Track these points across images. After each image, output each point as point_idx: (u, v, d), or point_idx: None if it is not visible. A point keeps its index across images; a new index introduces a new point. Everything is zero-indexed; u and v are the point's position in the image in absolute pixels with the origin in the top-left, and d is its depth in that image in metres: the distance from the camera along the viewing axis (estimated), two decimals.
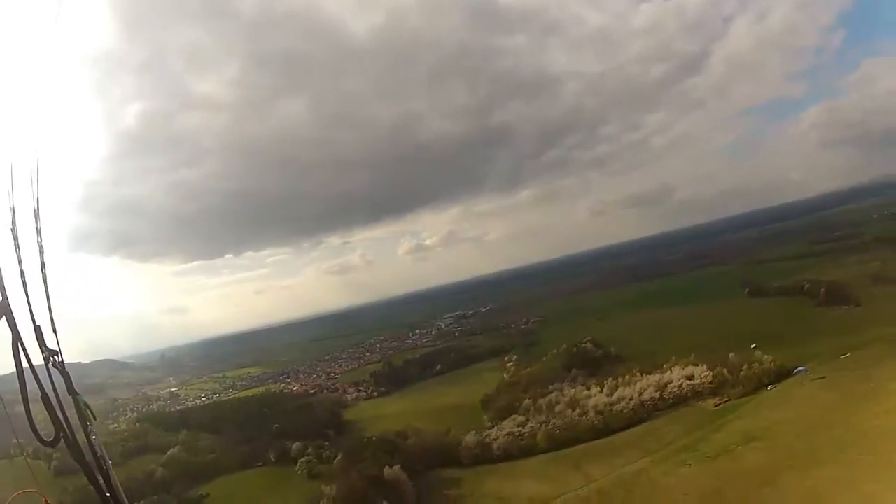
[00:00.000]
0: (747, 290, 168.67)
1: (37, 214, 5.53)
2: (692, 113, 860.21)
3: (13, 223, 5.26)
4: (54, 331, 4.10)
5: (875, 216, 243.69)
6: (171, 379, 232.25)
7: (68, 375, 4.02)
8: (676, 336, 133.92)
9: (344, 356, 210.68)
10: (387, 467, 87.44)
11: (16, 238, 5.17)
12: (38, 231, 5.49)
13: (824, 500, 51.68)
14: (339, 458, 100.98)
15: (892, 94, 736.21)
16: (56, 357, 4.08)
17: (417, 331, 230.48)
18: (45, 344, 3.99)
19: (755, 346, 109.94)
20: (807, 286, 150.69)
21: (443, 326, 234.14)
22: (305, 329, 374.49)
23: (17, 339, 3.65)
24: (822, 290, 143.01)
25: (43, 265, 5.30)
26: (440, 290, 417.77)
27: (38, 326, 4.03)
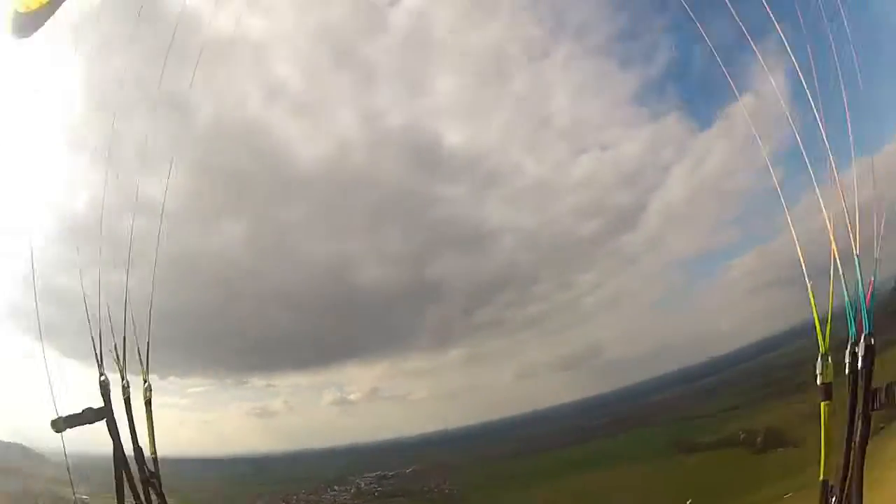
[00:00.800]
0: (677, 448, 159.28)
1: None
2: (625, 269, 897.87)
3: None
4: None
5: (809, 355, 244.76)
6: (81, 487, 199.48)
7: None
8: (604, 502, 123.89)
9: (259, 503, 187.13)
10: None
11: None
12: None
13: None
14: None
15: (820, 229, 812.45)
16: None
17: (336, 487, 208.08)
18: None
19: (690, 502, 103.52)
20: (742, 436, 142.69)
21: (363, 485, 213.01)
22: (224, 468, 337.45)
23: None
24: (759, 437, 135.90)
25: None
26: (361, 447, 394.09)
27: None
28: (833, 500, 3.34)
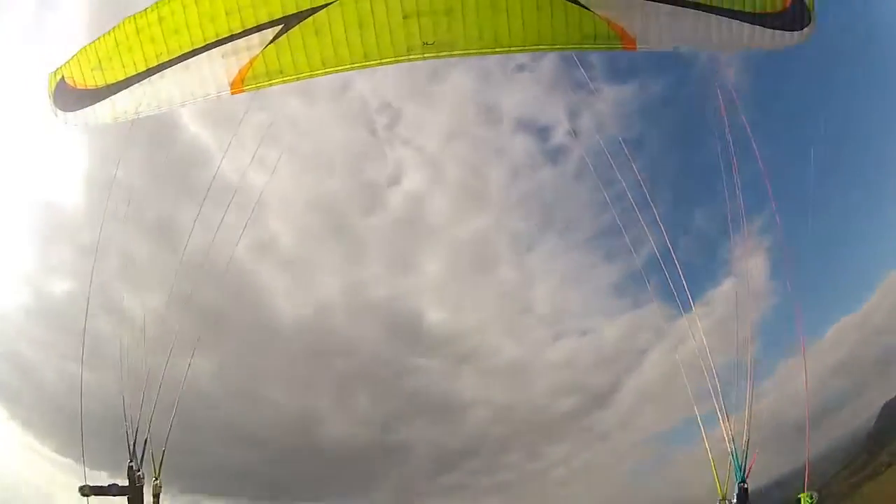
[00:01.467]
0: None
1: None
2: (596, 444, 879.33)
3: None
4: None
5: None
6: None
7: None
8: None
9: None
10: None
11: None
12: None
13: None
14: None
15: (799, 390, 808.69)
16: None
17: None
18: None
19: None
20: None
21: None
22: None
23: None
24: None
25: None
26: None
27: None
28: None
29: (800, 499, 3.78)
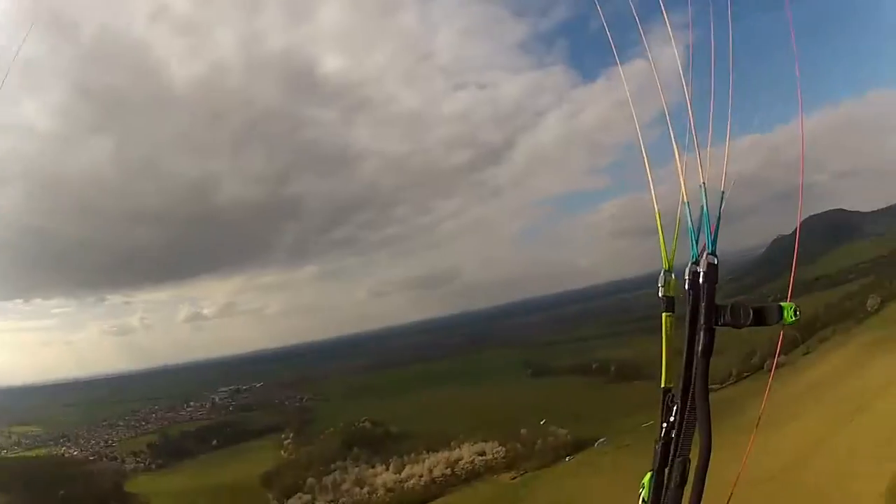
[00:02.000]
0: (530, 370, 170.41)
1: None
2: (488, 201, 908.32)
3: None
4: None
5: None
6: None
7: None
8: (459, 415, 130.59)
9: (121, 423, 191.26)
10: None
11: None
12: None
13: None
14: None
15: (695, 186, 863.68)
16: None
17: (192, 402, 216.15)
18: None
19: (544, 422, 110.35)
20: (595, 365, 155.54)
21: (217, 400, 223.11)
22: (85, 389, 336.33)
23: None
24: (613, 367, 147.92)
25: None
26: (217, 362, 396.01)
27: None
28: (675, 408, 3.33)
29: (781, 307, 3.19)
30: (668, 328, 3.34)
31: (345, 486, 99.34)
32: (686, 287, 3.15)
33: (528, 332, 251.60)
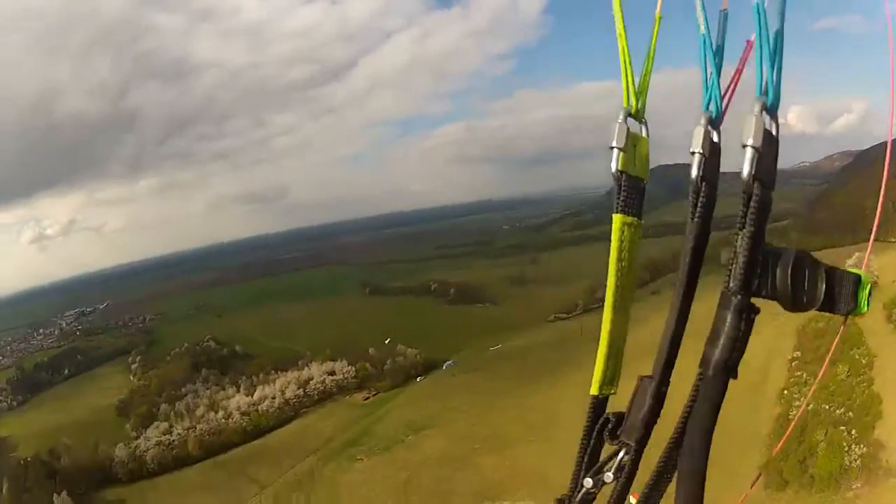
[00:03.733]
0: (368, 288, 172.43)
1: None
2: (323, 119, 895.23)
3: None
4: None
5: (506, 227, 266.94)
6: None
7: None
8: (302, 332, 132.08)
9: None
10: (55, 495, 79.29)
11: None
12: None
13: (530, 476, 53.41)
14: (4, 488, 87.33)
15: (538, 123, 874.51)
16: None
17: (42, 330, 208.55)
18: None
19: (389, 341, 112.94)
20: (434, 286, 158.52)
21: (64, 325, 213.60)
22: None
23: None
24: (452, 289, 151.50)
25: None
26: (63, 284, 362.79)
27: None
28: (623, 456, 1.58)
29: (860, 277, 1.10)
30: (627, 246, 1.71)
31: (199, 412, 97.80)
32: (693, 174, 1.50)
33: (363, 252, 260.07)
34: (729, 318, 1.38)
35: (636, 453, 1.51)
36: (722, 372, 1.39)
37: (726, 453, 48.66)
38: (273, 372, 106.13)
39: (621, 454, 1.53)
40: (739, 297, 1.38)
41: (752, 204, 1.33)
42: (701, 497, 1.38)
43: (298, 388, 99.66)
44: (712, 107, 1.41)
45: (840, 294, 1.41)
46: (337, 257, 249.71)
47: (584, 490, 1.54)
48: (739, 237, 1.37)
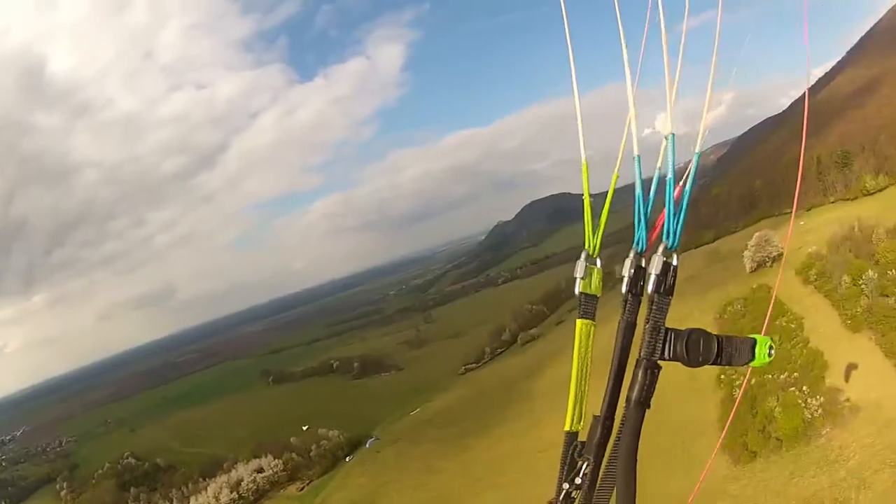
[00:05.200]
0: (271, 378, 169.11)
1: None
2: (200, 208, 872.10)
3: None
4: None
5: (392, 293, 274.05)
6: None
7: None
8: (218, 434, 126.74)
9: None
10: None
11: None
12: None
13: None
14: None
15: (410, 181, 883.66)
16: None
17: None
18: None
19: (307, 427, 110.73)
20: (336, 364, 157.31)
21: None
22: None
23: None
24: (355, 364, 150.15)
25: None
26: None
27: None
28: (584, 466, 2.18)
29: (755, 340, 1.78)
30: (584, 339, 2.26)
31: None
32: (624, 288, 2.16)
33: (258, 342, 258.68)
34: (640, 373, 2.08)
35: (595, 464, 2.20)
36: (637, 406, 2.09)
37: (682, 447, 49.63)
38: (201, 480, 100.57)
39: (585, 465, 2.22)
40: (646, 360, 2.08)
41: (653, 307, 2.08)
42: (633, 499, 2.08)
43: (232, 492, 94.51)
44: (640, 246, 2.17)
45: (734, 354, 2.13)
46: (233, 352, 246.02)
47: (564, 492, 2.23)
48: (648, 324, 2.10)
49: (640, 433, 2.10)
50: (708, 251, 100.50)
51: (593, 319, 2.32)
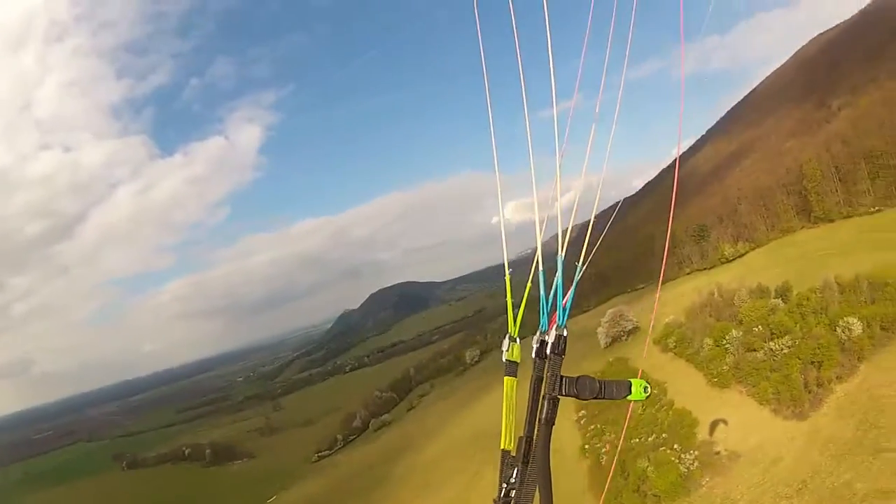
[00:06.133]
0: (124, 463, 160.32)
1: None
2: (57, 279, 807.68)
3: None
4: None
5: (240, 379, 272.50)
6: None
7: None
8: None
9: None
10: None
11: None
12: None
13: None
14: None
15: (261, 266, 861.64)
16: None
17: None
18: None
19: None
20: (188, 451, 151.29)
21: None
22: None
23: None
24: (207, 451, 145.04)
25: None
26: None
27: None
28: (514, 471, 3.19)
29: (630, 383, 3.05)
30: (510, 391, 3.31)
31: None
32: (533, 355, 3.17)
33: (111, 424, 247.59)
34: (546, 404, 3.01)
35: (522, 469, 3.08)
36: (546, 425, 3.02)
37: None
38: None
39: (515, 471, 3.14)
40: (548, 396, 3.00)
41: (551, 363, 3.07)
42: (550, 490, 2.99)
43: None
44: (543, 327, 3.20)
45: (614, 390, 3.03)
46: (88, 432, 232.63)
47: (503, 490, 3.13)
48: (549, 373, 3.06)
49: (550, 444, 3.05)
50: None
51: (515, 377, 3.41)
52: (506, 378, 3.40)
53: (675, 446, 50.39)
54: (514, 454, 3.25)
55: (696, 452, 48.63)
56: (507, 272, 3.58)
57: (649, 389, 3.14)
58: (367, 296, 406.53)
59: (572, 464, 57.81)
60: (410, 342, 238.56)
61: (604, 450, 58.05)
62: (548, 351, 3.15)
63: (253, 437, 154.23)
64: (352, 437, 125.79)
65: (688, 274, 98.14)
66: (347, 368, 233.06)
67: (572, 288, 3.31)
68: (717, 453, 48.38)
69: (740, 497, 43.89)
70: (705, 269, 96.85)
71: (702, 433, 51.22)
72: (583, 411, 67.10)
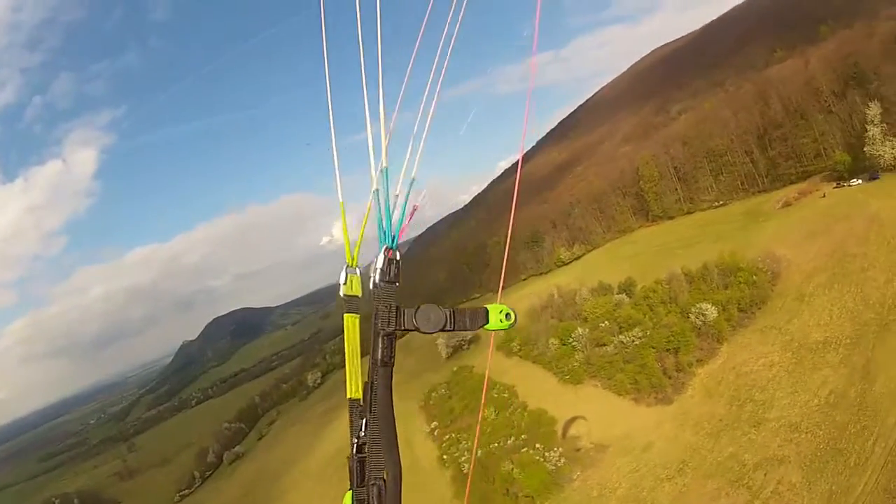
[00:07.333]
0: None
1: None
2: None
3: None
4: None
5: (93, 421, 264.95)
6: None
7: None
8: None
9: None
10: None
11: None
12: None
13: None
14: None
15: (97, 301, 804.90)
16: None
17: None
18: None
19: None
20: (57, 502, 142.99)
21: None
22: None
23: None
24: (76, 501, 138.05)
25: None
26: None
27: None
28: (364, 421, 2.81)
29: (487, 308, 2.82)
30: (352, 330, 2.89)
31: None
32: (371, 286, 2.79)
33: None
34: (379, 342, 2.68)
35: (371, 420, 2.72)
36: (382, 366, 2.69)
37: None
38: None
39: (364, 420, 2.75)
40: (383, 331, 2.66)
41: (382, 295, 2.69)
42: (394, 432, 2.68)
43: None
44: (383, 240, 2.89)
45: (467, 321, 2.72)
46: None
47: (355, 445, 2.75)
48: (379, 303, 2.69)
49: (391, 386, 2.72)
50: (398, 346, 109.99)
51: (357, 313, 2.92)
52: (346, 315, 2.89)
53: (538, 446, 51.46)
54: (362, 403, 2.80)
55: (561, 449, 49.84)
56: (340, 199, 2.94)
57: (512, 316, 2.70)
58: (204, 325, 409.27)
59: (433, 475, 57.27)
60: (252, 370, 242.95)
61: (463, 458, 58.81)
62: (376, 279, 2.71)
63: (114, 482, 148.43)
64: (209, 473, 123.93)
65: (524, 280, 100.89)
66: (193, 402, 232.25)
67: (404, 203, 2.85)
68: (581, 448, 49.70)
69: (618, 485, 45.08)
70: (542, 273, 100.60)
71: (562, 430, 52.55)
72: (434, 423, 68.37)
